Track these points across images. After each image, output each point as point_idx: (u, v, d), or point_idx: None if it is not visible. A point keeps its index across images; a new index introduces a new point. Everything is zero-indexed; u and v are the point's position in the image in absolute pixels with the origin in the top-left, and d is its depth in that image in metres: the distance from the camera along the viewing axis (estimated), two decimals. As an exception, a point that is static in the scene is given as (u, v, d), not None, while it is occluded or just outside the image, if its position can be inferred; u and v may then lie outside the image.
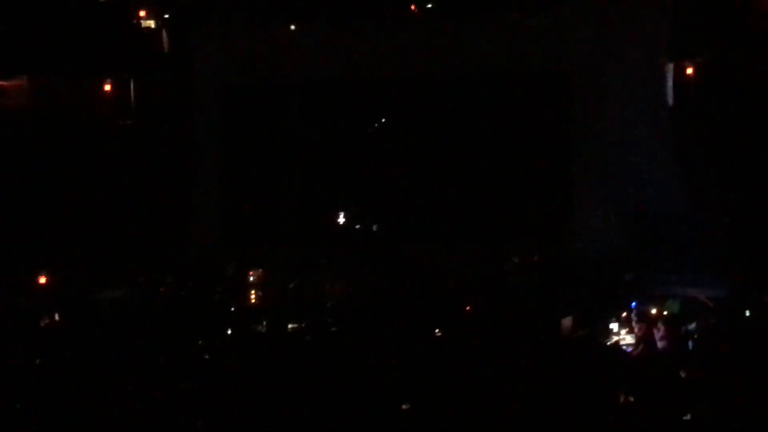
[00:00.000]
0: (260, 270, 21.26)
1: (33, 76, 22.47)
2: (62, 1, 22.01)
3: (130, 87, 23.07)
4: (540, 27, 21.64)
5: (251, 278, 21.16)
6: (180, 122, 23.05)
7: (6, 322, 18.77)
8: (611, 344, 17.98)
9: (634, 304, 18.39)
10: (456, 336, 18.10)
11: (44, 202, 22.06)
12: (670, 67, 20.98)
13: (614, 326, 18.32)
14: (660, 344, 17.70)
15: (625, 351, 17.74)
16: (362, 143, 22.61)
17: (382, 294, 19.98)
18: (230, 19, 22.69)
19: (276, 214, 22.83)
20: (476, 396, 15.29)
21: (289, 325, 18.98)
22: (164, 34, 22.92)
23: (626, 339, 18.24)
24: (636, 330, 18.06)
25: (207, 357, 17.31)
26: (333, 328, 18.88)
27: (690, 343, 17.75)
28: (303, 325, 18.98)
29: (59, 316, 19.35)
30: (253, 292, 20.78)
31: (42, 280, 20.78)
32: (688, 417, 14.67)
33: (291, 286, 20.71)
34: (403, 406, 15.17)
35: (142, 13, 22.69)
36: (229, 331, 18.77)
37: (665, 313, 18.28)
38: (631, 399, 15.12)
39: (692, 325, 17.91)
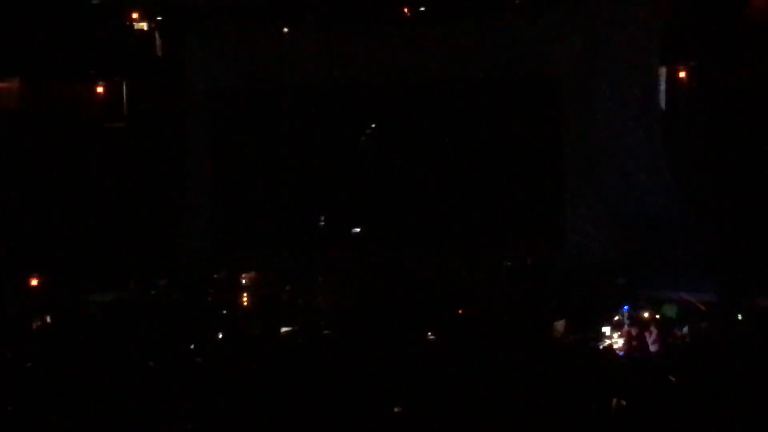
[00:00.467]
0: (252, 273, 21.25)
1: (25, 78, 22.42)
2: (54, 3, 21.96)
3: (122, 89, 23.06)
4: (532, 32, 21.69)
5: (243, 281, 21.15)
6: (172, 125, 23.03)
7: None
8: (604, 347, 17.96)
9: (626, 307, 18.38)
10: (448, 339, 18.09)
11: (35, 205, 22.01)
12: (663, 71, 21.01)
13: (606, 330, 18.30)
14: (652, 348, 17.69)
15: (618, 354, 17.73)
16: (354, 147, 22.62)
17: (375, 297, 19.97)
18: (222, 22, 22.68)
19: (267, 217, 22.83)
20: (469, 399, 15.26)
21: (282, 329, 18.93)
22: (157, 36, 22.88)
23: (618, 342, 18.24)
24: (628, 333, 18.04)
25: (198, 360, 17.24)
26: (325, 332, 18.86)
27: (682, 347, 17.75)
28: (295, 329, 18.93)
29: (50, 320, 19.26)
30: (245, 295, 20.73)
31: (33, 283, 20.72)
32: (680, 420, 14.65)
33: (285, 289, 20.69)
34: (396, 409, 15.12)
35: (134, 16, 22.66)
36: (221, 335, 18.71)
37: (658, 316, 18.27)
38: (624, 402, 15.10)
39: (684, 329, 17.90)
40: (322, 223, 22.56)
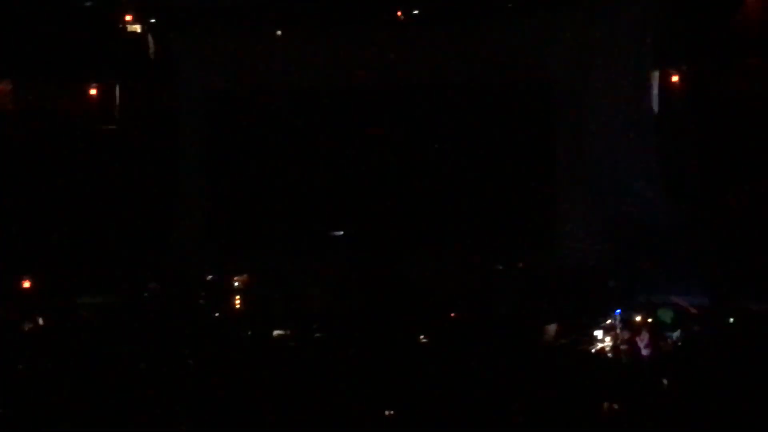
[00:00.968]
0: (245, 276, 21.24)
1: (16, 80, 22.40)
2: (46, 4, 21.93)
3: (114, 91, 23.03)
4: (524, 35, 21.67)
5: (236, 284, 21.14)
6: (165, 127, 23.01)
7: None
8: (595, 351, 18.00)
9: (618, 311, 18.40)
10: (440, 343, 18.11)
11: (27, 207, 21.97)
12: (655, 75, 21.04)
13: (598, 333, 18.32)
14: (644, 352, 17.71)
15: (609, 358, 17.76)
16: (347, 150, 22.60)
17: (368, 301, 19.97)
18: (215, 24, 22.65)
19: (260, 219, 22.80)
20: (461, 403, 15.29)
21: (274, 332, 18.92)
22: (149, 38, 22.86)
23: (610, 346, 18.27)
24: (620, 337, 18.07)
25: (191, 362, 17.25)
26: (318, 335, 18.88)
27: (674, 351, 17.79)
28: (288, 332, 18.93)
29: (42, 322, 19.24)
30: (237, 297, 20.71)
31: (25, 285, 20.68)
32: (672, 424, 14.70)
33: (278, 292, 20.67)
34: (387, 412, 15.15)
35: (127, 18, 22.63)
36: (213, 337, 18.70)
37: (650, 320, 18.29)
38: (615, 406, 15.14)
39: (676, 333, 17.93)
40: (316, 227, 22.49)
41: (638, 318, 18.35)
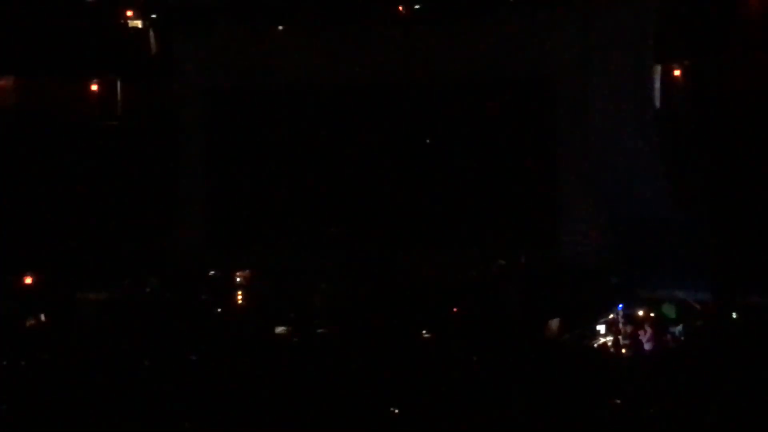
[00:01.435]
0: (246, 271, 21.25)
1: (19, 76, 22.39)
2: (48, 2, 21.93)
3: (116, 88, 23.03)
4: (526, 32, 21.69)
5: (237, 280, 21.14)
6: (166, 123, 23.02)
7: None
8: (598, 346, 18.00)
9: (620, 306, 18.40)
10: (443, 338, 18.12)
11: (29, 204, 21.97)
12: (657, 70, 21.03)
13: (601, 328, 18.32)
14: (647, 346, 17.72)
15: (612, 353, 17.76)
16: (349, 146, 22.61)
17: (370, 296, 19.98)
18: (216, 21, 22.66)
19: (261, 215, 22.81)
20: (463, 397, 15.29)
21: (276, 328, 18.92)
22: (151, 35, 22.87)
23: (612, 341, 18.27)
24: (623, 332, 18.08)
25: (193, 358, 17.25)
26: (319, 330, 18.88)
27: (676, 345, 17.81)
28: (290, 328, 18.93)
29: (44, 318, 19.25)
30: (239, 293, 20.72)
31: (27, 281, 20.69)
32: (675, 417, 14.69)
33: (279, 287, 20.68)
34: (389, 407, 15.15)
35: (128, 14, 22.64)
36: (215, 333, 18.71)
37: (652, 315, 18.30)
38: (618, 400, 15.14)
39: (679, 327, 17.93)
40: (318, 223, 22.49)
41: (641, 313, 18.36)
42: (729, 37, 20.49)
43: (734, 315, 18.21)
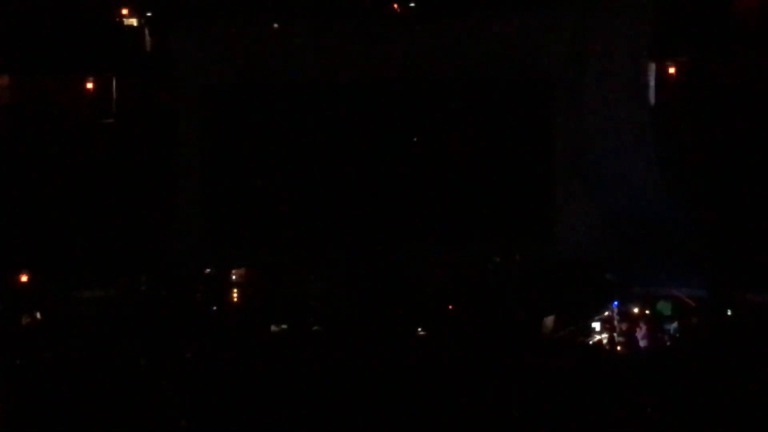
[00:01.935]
0: (243, 270, 21.22)
1: (14, 74, 22.39)
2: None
3: (112, 85, 23.03)
4: (522, 29, 21.65)
5: (234, 278, 21.12)
6: (162, 121, 23.00)
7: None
8: (593, 343, 18.00)
9: (616, 303, 18.40)
10: (438, 335, 18.11)
11: (25, 201, 21.97)
12: (652, 67, 21.04)
13: (596, 325, 18.33)
14: (642, 343, 17.72)
15: (607, 350, 17.77)
16: (345, 143, 22.58)
17: (366, 294, 19.96)
18: (213, 18, 22.64)
19: (258, 213, 22.78)
20: (459, 395, 15.30)
21: (272, 325, 18.92)
22: (147, 32, 22.86)
23: (607, 338, 18.27)
24: (618, 329, 18.08)
25: (189, 356, 17.25)
26: (315, 328, 18.88)
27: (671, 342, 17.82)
28: (285, 326, 18.94)
29: (40, 316, 19.24)
30: (235, 291, 20.69)
31: (23, 279, 20.67)
32: (670, 414, 14.71)
33: (276, 286, 20.66)
34: (385, 405, 15.16)
35: (124, 12, 22.64)
36: (211, 331, 18.70)
37: (647, 312, 18.30)
38: (614, 397, 15.16)
39: (674, 325, 17.93)
40: (314, 220, 22.47)
41: (636, 310, 18.36)
42: (725, 35, 20.52)
43: (729, 312, 18.21)
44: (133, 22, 22.74)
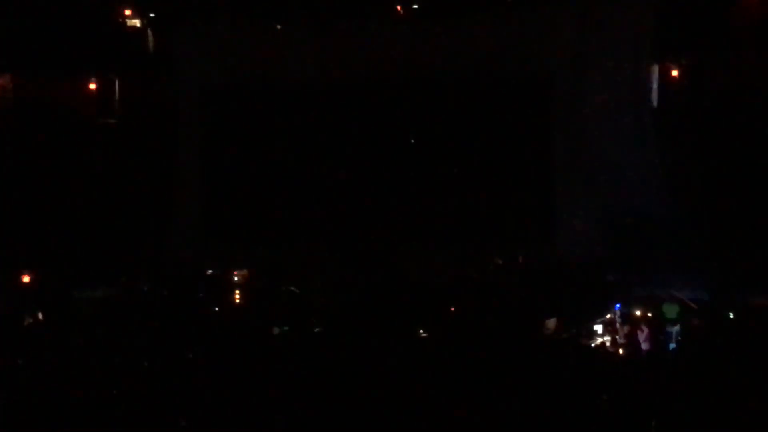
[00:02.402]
0: (244, 270, 21.24)
1: (17, 74, 22.39)
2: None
3: (114, 86, 23.03)
4: (523, 29, 21.71)
5: (235, 278, 21.13)
6: (163, 121, 23.01)
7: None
8: (595, 345, 18.02)
9: (618, 305, 18.42)
10: (440, 336, 18.12)
11: (27, 201, 21.97)
12: (654, 69, 21.06)
13: (598, 328, 18.34)
14: (644, 345, 17.74)
15: (609, 352, 17.78)
16: (346, 143, 22.60)
17: (367, 295, 19.97)
18: (214, 19, 22.66)
19: (259, 213, 22.80)
20: (460, 395, 15.30)
21: (273, 326, 18.92)
22: (149, 33, 22.88)
23: (609, 340, 18.29)
24: (620, 331, 18.10)
25: (190, 356, 17.25)
26: (317, 329, 18.89)
27: (673, 345, 17.82)
28: (287, 326, 18.93)
29: (42, 316, 19.25)
30: (236, 291, 20.71)
31: (25, 279, 20.68)
32: (671, 416, 14.71)
33: (277, 286, 20.67)
34: (387, 406, 15.16)
35: (127, 13, 22.65)
36: (212, 331, 18.70)
37: (649, 314, 18.31)
38: (615, 399, 15.16)
39: (676, 328, 17.94)
40: (315, 220, 22.48)
41: (638, 312, 18.37)
42: (726, 35, 20.54)
43: (731, 315, 18.22)
44: (136, 22, 22.77)
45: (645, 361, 17.38)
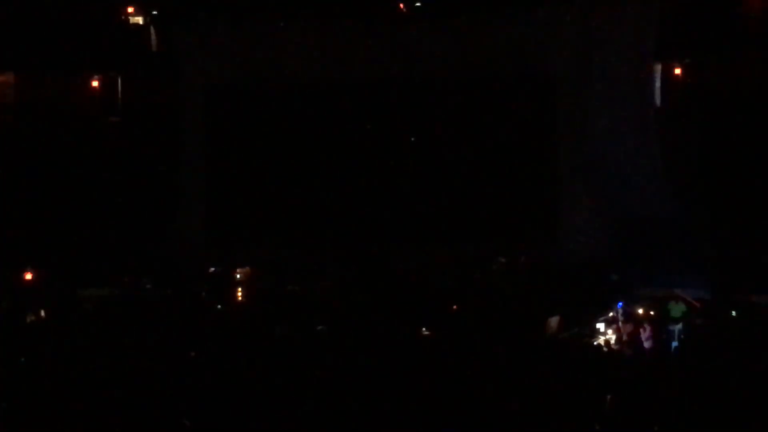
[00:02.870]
0: (247, 269, 21.23)
1: (19, 72, 22.40)
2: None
3: (117, 84, 23.04)
4: (527, 29, 21.72)
5: (237, 277, 21.13)
6: (167, 120, 23.01)
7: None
8: (598, 344, 17.99)
9: (620, 304, 18.40)
10: (443, 335, 18.10)
11: (30, 200, 21.97)
12: (658, 68, 21.05)
13: (601, 326, 18.32)
14: (646, 344, 17.72)
15: (612, 350, 17.76)
16: (349, 143, 22.60)
17: (370, 294, 19.96)
18: (217, 17, 22.67)
19: (262, 212, 22.80)
20: (463, 394, 15.27)
21: (275, 325, 18.91)
22: (151, 31, 22.89)
23: (612, 339, 18.28)
24: (623, 330, 18.08)
25: (192, 354, 17.23)
26: (320, 327, 18.87)
27: (675, 343, 17.81)
28: (290, 325, 18.92)
29: (45, 314, 19.25)
30: (239, 290, 20.71)
31: (28, 277, 20.69)
32: (674, 415, 14.67)
33: (279, 285, 20.67)
34: (389, 404, 15.12)
35: (129, 11, 22.67)
36: (215, 329, 18.70)
37: (652, 313, 18.29)
38: (618, 397, 15.12)
39: (679, 326, 17.92)
40: (318, 220, 22.48)
41: (640, 311, 18.35)
42: (729, 37, 20.53)
43: (734, 313, 18.20)
44: (139, 20, 22.78)
45: (648, 360, 17.35)
